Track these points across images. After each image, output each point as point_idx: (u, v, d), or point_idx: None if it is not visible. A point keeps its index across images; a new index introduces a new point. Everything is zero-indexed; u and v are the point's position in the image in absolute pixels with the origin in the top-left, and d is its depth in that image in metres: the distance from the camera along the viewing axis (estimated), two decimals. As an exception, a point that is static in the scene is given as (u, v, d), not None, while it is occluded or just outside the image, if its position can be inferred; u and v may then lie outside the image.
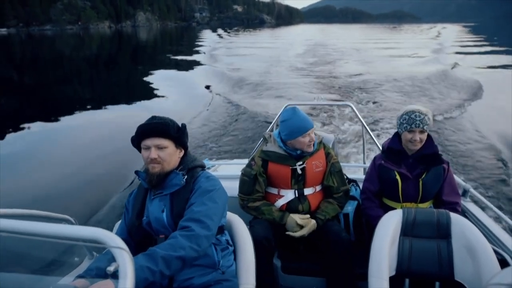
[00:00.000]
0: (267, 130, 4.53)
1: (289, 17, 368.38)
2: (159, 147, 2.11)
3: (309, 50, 35.67)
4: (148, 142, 2.11)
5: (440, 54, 29.89)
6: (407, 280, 2.27)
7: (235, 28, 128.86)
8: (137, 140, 2.16)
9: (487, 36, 68.45)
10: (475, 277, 2.06)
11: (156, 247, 1.82)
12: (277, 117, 4.54)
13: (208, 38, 63.62)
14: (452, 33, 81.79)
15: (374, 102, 13.13)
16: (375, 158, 2.99)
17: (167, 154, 2.13)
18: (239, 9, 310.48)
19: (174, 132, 2.15)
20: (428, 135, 2.76)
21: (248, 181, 2.85)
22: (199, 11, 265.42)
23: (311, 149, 2.80)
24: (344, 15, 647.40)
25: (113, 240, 1.21)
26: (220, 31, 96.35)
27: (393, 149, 2.83)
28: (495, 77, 20.38)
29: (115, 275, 1.19)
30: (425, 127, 2.68)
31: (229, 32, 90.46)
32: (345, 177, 3.04)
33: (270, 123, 4.97)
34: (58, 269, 2.26)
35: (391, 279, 2.10)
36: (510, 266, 2.13)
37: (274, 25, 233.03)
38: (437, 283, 2.24)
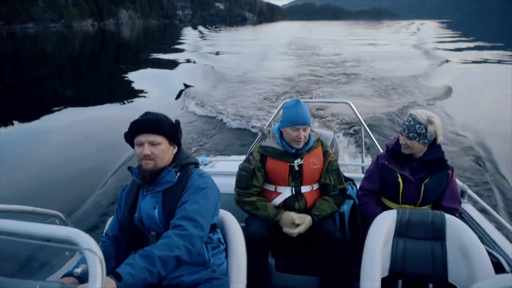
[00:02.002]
0: (266, 126, 4.45)
1: (271, 14, 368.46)
2: (153, 144, 2.07)
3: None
4: (142, 138, 2.07)
5: (421, 49, 30.25)
6: (400, 282, 2.23)
7: (216, 26, 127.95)
8: (131, 136, 2.11)
9: (462, 31, 69.64)
10: (469, 280, 2.03)
11: (151, 247, 1.79)
12: (275, 113, 4.45)
13: (189, 35, 63.24)
14: (431, 29, 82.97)
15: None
16: (378, 157, 2.90)
17: (161, 150, 2.09)
18: (221, 6, 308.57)
19: (168, 128, 2.11)
20: (434, 141, 2.65)
21: (245, 175, 2.79)
22: (181, 8, 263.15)
23: (298, 146, 2.74)
24: (324, 12, 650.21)
25: (86, 241, 1.18)
26: (201, 28, 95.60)
27: (397, 151, 2.75)
28: (474, 71, 20.62)
29: (83, 277, 1.18)
30: (410, 135, 2.59)
31: (215, 29, 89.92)
32: (342, 175, 2.99)
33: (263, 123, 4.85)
34: (48, 264, 2.23)
35: (384, 280, 2.07)
36: (498, 274, 2.08)
37: (256, 22, 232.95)
38: (431, 285, 2.20)
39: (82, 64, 30.41)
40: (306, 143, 2.78)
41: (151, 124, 2.07)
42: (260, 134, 3.09)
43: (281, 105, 3.09)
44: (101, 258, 1.17)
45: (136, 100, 14.72)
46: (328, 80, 16.44)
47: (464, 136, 8.70)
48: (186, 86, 16.21)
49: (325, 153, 2.88)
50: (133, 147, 2.15)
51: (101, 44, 58.17)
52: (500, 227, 2.70)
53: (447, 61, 22.51)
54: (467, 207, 2.98)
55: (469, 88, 15.05)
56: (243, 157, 3.10)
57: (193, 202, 2.00)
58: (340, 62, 20.48)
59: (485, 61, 24.63)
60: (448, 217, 2.29)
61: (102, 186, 6.43)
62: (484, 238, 2.58)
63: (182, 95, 14.32)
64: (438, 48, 32.15)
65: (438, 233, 2.24)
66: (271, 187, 2.86)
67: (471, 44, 39.51)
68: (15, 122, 11.19)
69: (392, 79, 16.59)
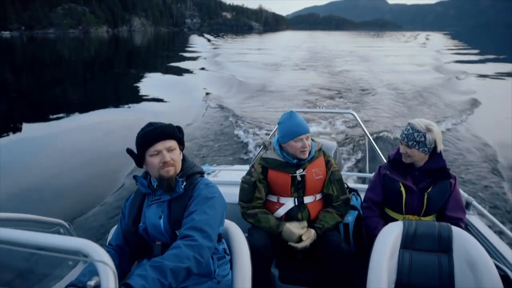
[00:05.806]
0: (268, 137, 4.36)
1: (276, 24, 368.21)
2: (170, 149, 2.03)
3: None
4: (160, 146, 2.00)
5: (435, 61, 29.73)
6: None
7: (222, 34, 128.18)
8: (145, 147, 2.03)
9: (468, 43, 68.26)
10: None
11: (162, 258, 1.72)
12: (277, 124, 4.37)
13: (197, 41, 63.43)
14: (439, 40, 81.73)
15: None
16: (380, 167, 2.84)
17: (177, 155, 2.06)
18: (228, 15, 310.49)
19: (178, 133, 2.10)
20: (434, 150, 2.58)
21: (247, 188, 2.73)
22: (190, 17, 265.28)
23: (304, 156, 2.65)
24: (328, 22, 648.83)
25: (97, 253, 1.14)
26: (208, 36, 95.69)
27: (399, 160, 2.68)
28: (490, 85, 19.92)
29: None
30: (410, 143, 2.53)
31: (222, 37, 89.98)
32: (346, 186, 2.91)
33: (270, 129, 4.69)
34: (51, 274, 2.15)
35: None
36: None
37: (262, 31, 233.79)
38: None
39: (95, 68, 30.47)
40: (308, 154, 2.71)
41: (165, 131, 2.03)
42: (262, 146, 3.02)
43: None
44: (114, 270, 1.13)
45: (143, 107, 14.32)
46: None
47: (485, 148, 8.35)
48: (193, 91, 16.08)
49: (328, 163, 2.79)
50: (137, 161, 2.09)
51: (115, 50, 58.28)
52: (506, 239, 2.59)
53: (464, 73, 21.56)
54: (472, 219, 2.86)
55: (496, 100, 14.32)
56: (247, 167, 3.03)
57: (201, 212, 1.93)
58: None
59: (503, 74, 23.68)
60: (455, 229, 2.20)
61: (105, 194, 6.20)
62: (490, 250, 2.47)
63: (191, 103, 14.16)
64: (456, 61, 30.97)
65: (444, 245, 2.16)
66: (273, 198, 2.78)
67: (483, 57, 38.20)
68: (22, 126, 11.01)
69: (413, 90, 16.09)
